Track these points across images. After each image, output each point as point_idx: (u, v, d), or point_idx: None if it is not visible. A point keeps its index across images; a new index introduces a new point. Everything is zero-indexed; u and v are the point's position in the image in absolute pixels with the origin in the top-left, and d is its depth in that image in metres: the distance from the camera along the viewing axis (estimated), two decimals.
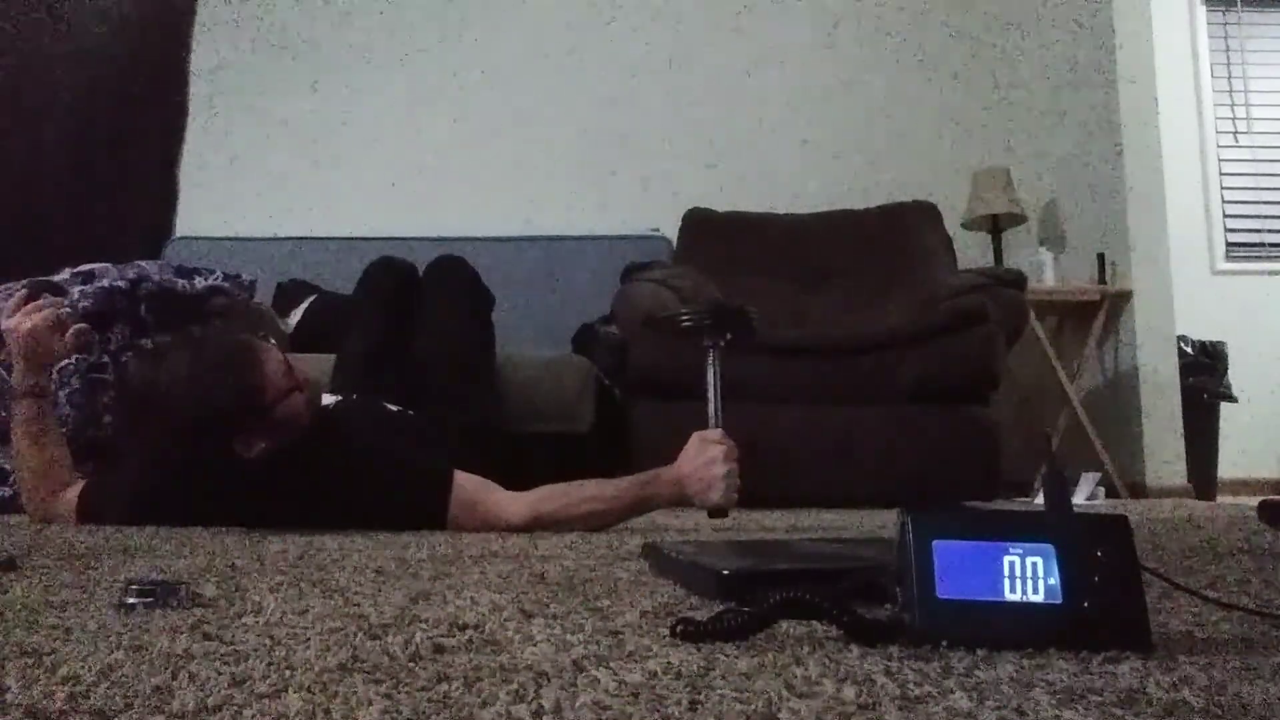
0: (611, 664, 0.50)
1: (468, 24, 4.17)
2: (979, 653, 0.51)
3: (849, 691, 0.43)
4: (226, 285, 2.63)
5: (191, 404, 1.44)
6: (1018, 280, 3.01)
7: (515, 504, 1.52)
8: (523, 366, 2.56)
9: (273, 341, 1.60)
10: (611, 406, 2.79)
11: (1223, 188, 4.77)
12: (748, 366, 2.61)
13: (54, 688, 0.45)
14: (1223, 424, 3.90)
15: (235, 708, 0.41)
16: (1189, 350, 3.82)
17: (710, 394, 1.55)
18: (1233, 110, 4.83)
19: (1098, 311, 3.59)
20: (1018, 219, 3.80)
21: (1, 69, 3.46)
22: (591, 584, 0.83)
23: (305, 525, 1.51)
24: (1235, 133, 4.82)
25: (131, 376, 1.61)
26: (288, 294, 3.18)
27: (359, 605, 0.71)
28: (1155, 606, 0.67)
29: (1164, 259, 3.60)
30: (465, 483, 1.53)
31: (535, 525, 1.50)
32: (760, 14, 4.19)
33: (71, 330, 1.68)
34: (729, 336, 1.57)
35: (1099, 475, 2.86)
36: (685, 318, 1.60)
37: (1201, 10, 4.86)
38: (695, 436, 1.54)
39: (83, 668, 0.49)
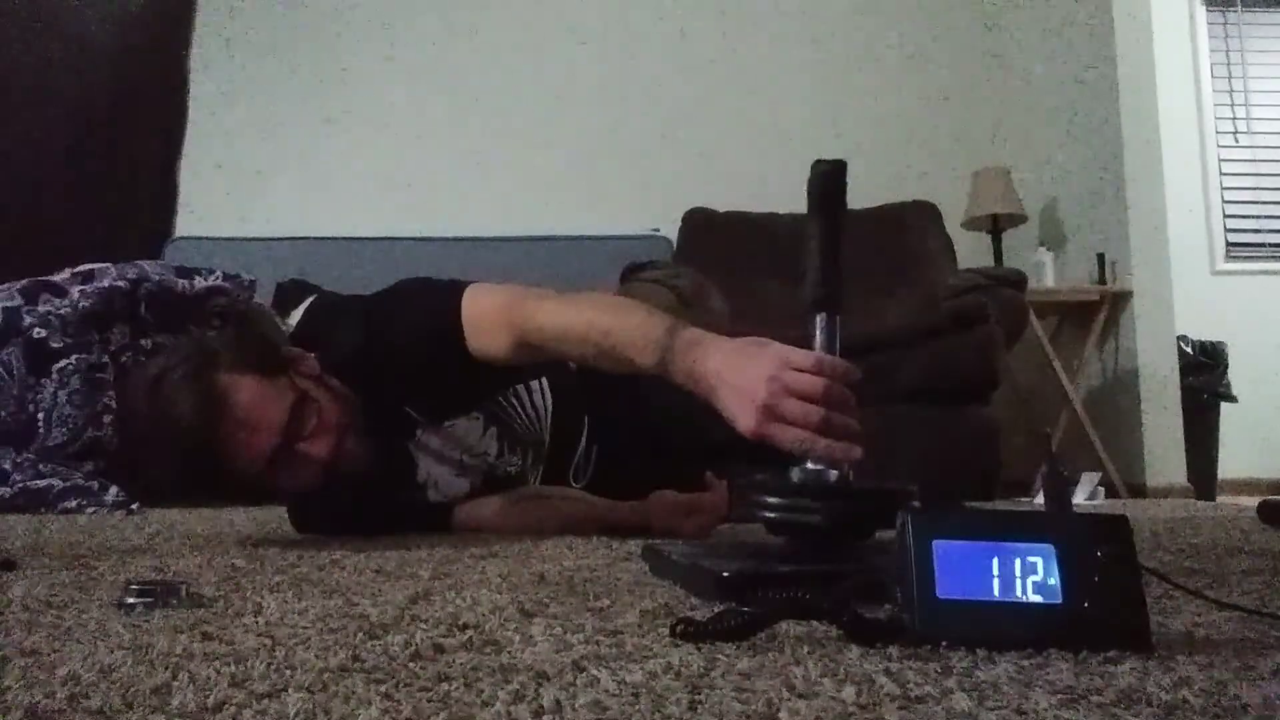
0: (611, 664, 0.49)
1: (468, 24, 4.17)
2: (979, 653, 0.51)
3: (849, 691, 0.43)
4: (226, 285, 2.63)
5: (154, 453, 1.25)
6: (1018, 280, 3.00)
7: (497, 505, 1.47)
8: None
9: (308, 361, 1.29)
10: None
11: (1223, 188, 4.76)
12: None
13: (54, 688, 0.45)
14: (1223, 424, 3.89)
15: (235, 708, 0.41)
16: (1189, 350, 3.82)
17: None
18: (1233, 110, 4.82)
19: (1098, 311, 3.59)
20: (1018, 219, 3.80)
21: (1, 69, 3.46)
22: (591, 584, 0.83)
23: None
24: (1235, 133, 4.81)
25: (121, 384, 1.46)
26: (288, 294, 3.18)
27: (359, 605, 0.71)
28: (1155, 606, 0.67)
29: (1164, 259, 3.59)
30: (470, 508, 1.47)
31: (508, 525, 1.45)
32: (761, 15, 4.20)
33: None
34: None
35: (1099, 475, 2.86)
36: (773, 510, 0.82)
37: (1201, 11, 4.86)
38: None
39: (83, 668, 0.49)
